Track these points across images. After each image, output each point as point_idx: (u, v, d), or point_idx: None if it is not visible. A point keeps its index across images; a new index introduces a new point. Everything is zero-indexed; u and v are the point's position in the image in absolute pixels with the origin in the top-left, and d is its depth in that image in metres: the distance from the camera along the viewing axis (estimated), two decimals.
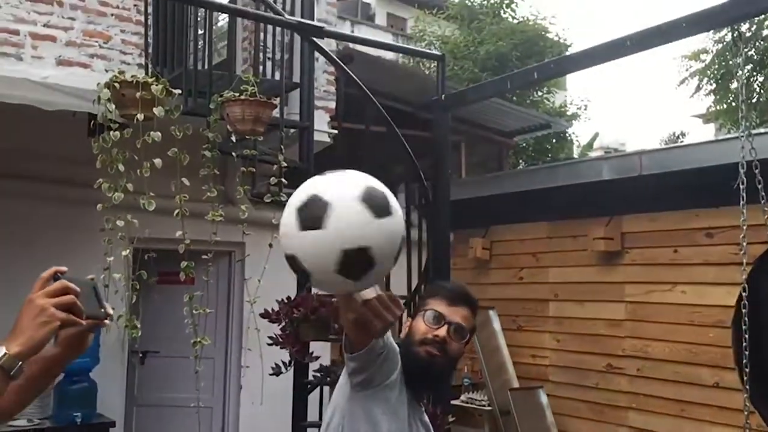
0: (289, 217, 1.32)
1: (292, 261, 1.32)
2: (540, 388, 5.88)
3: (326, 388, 4.38)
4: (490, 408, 5.85)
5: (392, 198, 1.35)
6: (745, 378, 3.22)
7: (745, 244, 3.09)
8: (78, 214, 4.56)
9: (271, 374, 3.84)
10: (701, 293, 4.94)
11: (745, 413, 3.08)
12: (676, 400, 5.01)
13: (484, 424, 6.02)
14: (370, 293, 1.42)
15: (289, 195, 4.09)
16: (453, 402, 4.83)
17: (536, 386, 5.91)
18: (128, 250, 2.91)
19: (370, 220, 1.28)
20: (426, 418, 2.01)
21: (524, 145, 10.77)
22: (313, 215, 1.27)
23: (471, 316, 1.97)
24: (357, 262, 1.27)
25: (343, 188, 1.31)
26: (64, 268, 1.34)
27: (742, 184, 2.98)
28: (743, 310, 3.13)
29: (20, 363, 1.21)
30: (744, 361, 3.09)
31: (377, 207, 1.30)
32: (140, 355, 5.76)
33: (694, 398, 4.91)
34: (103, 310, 1.37)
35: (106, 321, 1.39)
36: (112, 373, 5.03)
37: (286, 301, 3.87)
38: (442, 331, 1.90)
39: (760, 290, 4.55)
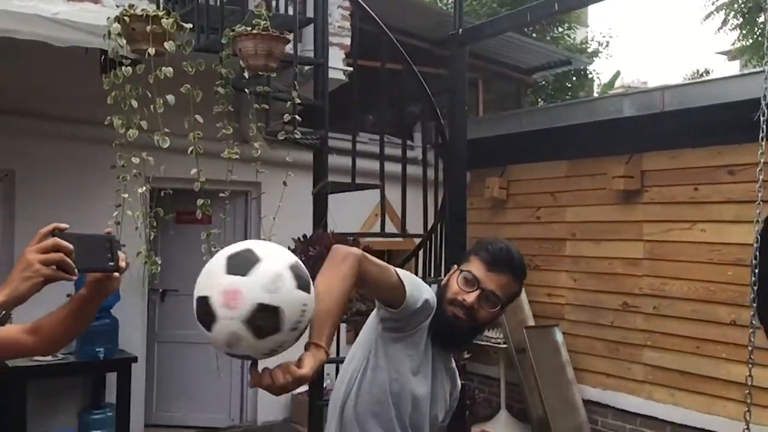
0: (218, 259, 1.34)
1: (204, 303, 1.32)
2: (555, 327, 5.92)
3: (343, 326, 4.44)
4: (505, 346, 5.90)
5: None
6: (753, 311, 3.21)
7: (761, 178, 3.04)
8: (93, 153, 4.57)
9: None
10: (721, 231, 4.89)
11: (751, 330, 3.08)
12: (692, 337, 5.02)
13: (499, 362, 6.09)
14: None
15: (303, 134, 4.04)
16: None
17: (552, 324, 5.95)
18: (144, 187, 2.89)
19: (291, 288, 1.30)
20: (453, 364, 1.98)
21: (543, 83, 10.55)
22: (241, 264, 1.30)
23: (511, 282, 1.84)
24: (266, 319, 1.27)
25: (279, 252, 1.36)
26: (64, 225, 1.37)
27: (763, 116, 2.90)
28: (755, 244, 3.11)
29: (3, 311, 1.31)
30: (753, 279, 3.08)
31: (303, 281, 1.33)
32: (160, 292, 5.85)
33: (710, 336, 4.91)
34: (113, 263, 1.41)
35: (116, 274, 1.44)
36: (132, 311, 5.12)
37: (302, 239, 3.89)
38: (472, 297, 1.79)
39: None
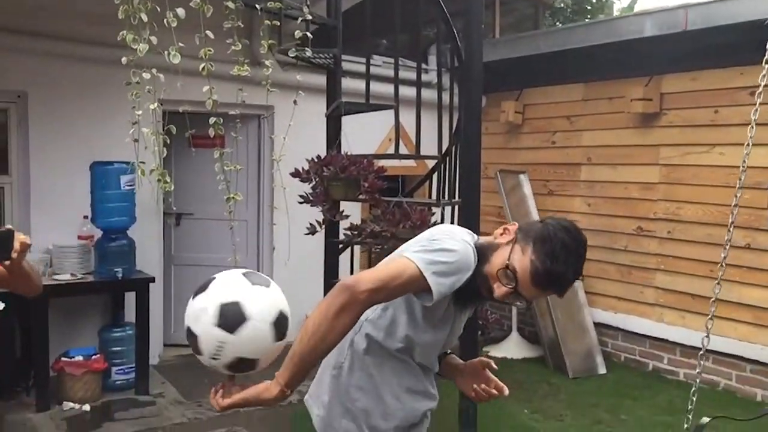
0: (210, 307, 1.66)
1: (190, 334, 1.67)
2: None
3: (357, 247, 4.46)
4: None
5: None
6: None
7: None
8: (106, 73, 4.53)
9: (306, 234, 3.90)
10: (740, 155, 4.79)
11: None
12: (706, 261, 5.02)
13: None
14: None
15: (315, 53, 3.94)
16: None
17: None
18: (156, 104, 2.87)
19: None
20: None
21: (562, 5, 10.27)
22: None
23: (549, 293, 1.68)
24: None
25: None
26: None
27: None
28: None
29: None
30: None
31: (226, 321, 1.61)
32: (175, 216, 5.90)
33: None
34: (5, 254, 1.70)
35: (6, 262, 1.73)
36: (149, 233, 5.17)
37: (315, 159, 3.87)
38: (503, 291, 1.64)
39: None
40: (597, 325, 5.75)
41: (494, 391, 1.85)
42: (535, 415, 4.54)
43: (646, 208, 5.44)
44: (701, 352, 2.92)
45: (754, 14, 4.44)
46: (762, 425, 3.39)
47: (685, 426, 2.82)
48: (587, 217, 5.89)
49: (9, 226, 1.74)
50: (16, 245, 1.71)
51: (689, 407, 2.86)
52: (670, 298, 5.32)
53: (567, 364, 5.40)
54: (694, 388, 2.88)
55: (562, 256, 1.61)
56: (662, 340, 5.36)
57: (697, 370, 2.93)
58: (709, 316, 2.93)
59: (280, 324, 1.58)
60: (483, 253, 1.69)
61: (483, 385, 1.85)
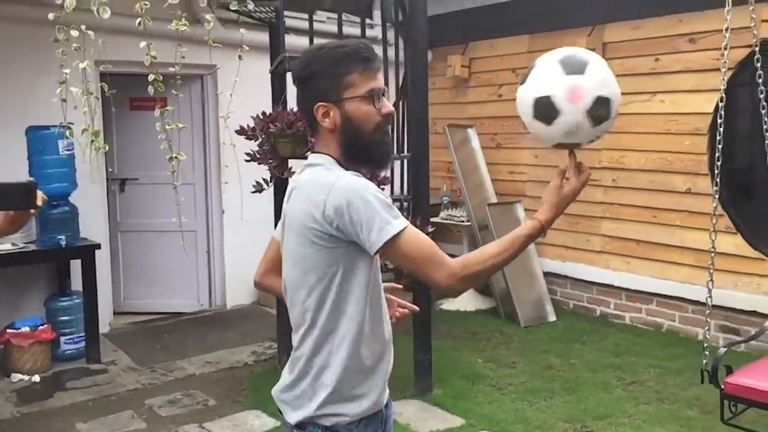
0: (550, 67, 1.57)
1: (546, 101, 1.54)
2: (517, 203, 6.02)
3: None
4: (468, 224, 6.00)
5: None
6: (716, 186, 3.27)
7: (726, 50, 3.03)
8: (37, 33, 4.33)
9: (252, 192, 3.85)
10: (680, 102, 4.93)
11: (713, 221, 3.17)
12: (649, 207, 5.16)
13: (462, 240, 6.21)
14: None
15: (257, 7, 3.83)
16: (433, 219, 4.93)
17: (514, 201, 6.04)
18: (85, 63, 2.75)
19: (613, 83, 1.57)
20: None
21: None
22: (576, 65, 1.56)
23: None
24: (602, 108, 1.54)
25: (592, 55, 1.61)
26: None
27: None
28: (719, 118, 3.12)
29: None
30: (716, 165, 3.13)
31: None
32: (120, 182, 5.75)
33: (665, 205, 5.05)
34: (27, 203, 1.70)
35: (32, 211, 1.73)
36: (92, 198, 5.01)
37: (261, 116, 3.80)
38: (388, 105, 1.61)
39: (737, 100, 4.55)
40: (546, 274, 5.87)
41: (401, 310, 1.84)
42: (489, 363, 4.64)
43: (592, 157, 5.52)
44: (707, 312, 3.06)
45: None
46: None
47: (704, 361, 3.03)
48: (534, 168, 5.96)
49: (31, 179, 1.78)
50: (39, 200, 1.72)
51: (704, 345, 3.11)
52: (615, 245, 5.45)
53: (518, 314, 5.51)
54: (705, 328, 3.04)
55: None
56: (609, 285, 5.51)
57: (707, 312, 3.03)
58: (710, 270, 3.06)
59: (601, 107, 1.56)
60: (348, 132, 1.60)
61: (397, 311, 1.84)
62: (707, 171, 4.78)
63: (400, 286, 1.90)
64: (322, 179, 1.54)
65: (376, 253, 1.51)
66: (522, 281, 5.71)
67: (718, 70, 4.34)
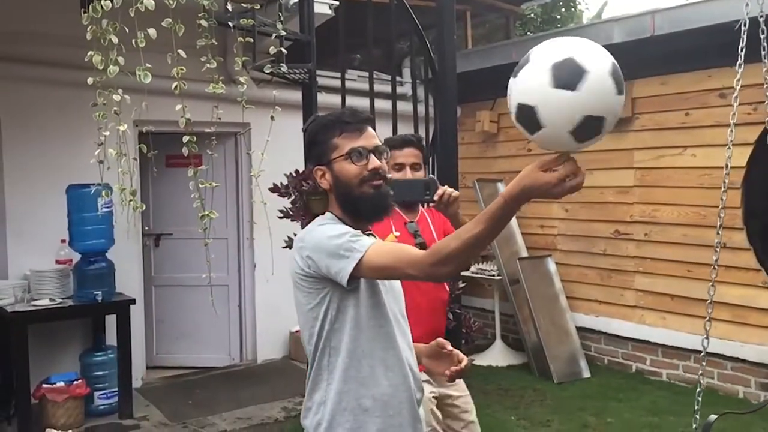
0: (540, 71, 1.36)
1: (530, 111, 1.37)
2: (548, 257, 5.98)
3: None
4: (499, 278, 5.97)
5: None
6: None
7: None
8: (78, 95, 4.46)
9: (284, 247, 3.89)
10: (712, 156, 4.90)
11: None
12: (683, 261, 5.09)
13: (493, 294, 6.17)
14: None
15: (290, 69, 3.95)
16: (463, 274, 4.91)
17: (545, 255, 6.01)
18: (124, 125, 2.84)
19: (614, 95, 1.35)
20: None
21: (532, 15, 10.42)
22: (568, 76, 1.32)
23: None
24: (591, 128, 1.35)
25: (597, 58, 1.36)
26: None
27: (762, 33, 2.88)
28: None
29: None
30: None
31: (620, 84, 1.37)
32: (154, 237, 5.86)
33: (700, 259, 4.97)
34: (428, 195, 2.22)
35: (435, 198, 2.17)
36: (128, 255, 5.12)
37: (294, 174, 3.87)
38: (374, 161, 1.77)
39: None
40: (579, 329, 5.79)
41: (458, 366, 1.86)
42: (522, 421, 4.55)
43: (623, 211, 5.51)
44: (702, 354, 2.95)
45: (719, 18, 4.53)
46: (761, 416, 3.42)
47: (694, 426, 2.88)
48: (565, 222, 5.94)
49: (432, 176, 2.18)
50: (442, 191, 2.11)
51: (695, 408, 2.91)
52: (649, 300, 5.37)
53: (551, 370, 5.42)
54: (699, 389, 2.89)
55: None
56: (644, 341, 5.41)
57: (700, 372, 2.94)
58: (707, 318, 2.97)
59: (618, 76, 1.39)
60: (341, 190, 1.79)
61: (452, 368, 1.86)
62: (742, 225, 4.72)
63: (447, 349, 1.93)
64: (303, 231, 1.79)
65: (351, 281, 1.62)
66: (554, 336, 5.63)
67: (750, 124, 4.37)
